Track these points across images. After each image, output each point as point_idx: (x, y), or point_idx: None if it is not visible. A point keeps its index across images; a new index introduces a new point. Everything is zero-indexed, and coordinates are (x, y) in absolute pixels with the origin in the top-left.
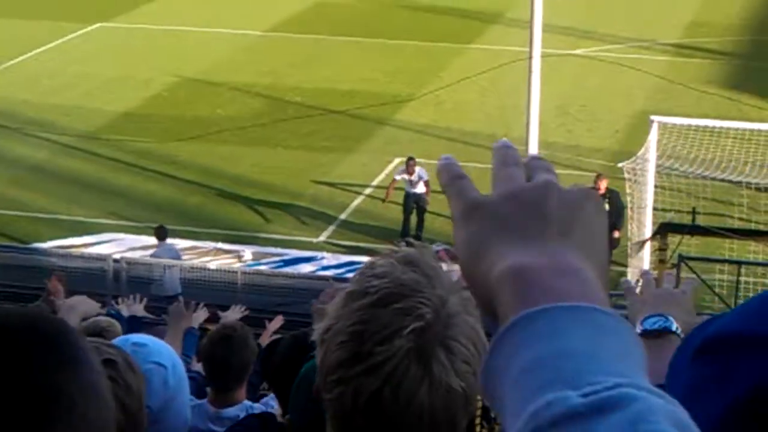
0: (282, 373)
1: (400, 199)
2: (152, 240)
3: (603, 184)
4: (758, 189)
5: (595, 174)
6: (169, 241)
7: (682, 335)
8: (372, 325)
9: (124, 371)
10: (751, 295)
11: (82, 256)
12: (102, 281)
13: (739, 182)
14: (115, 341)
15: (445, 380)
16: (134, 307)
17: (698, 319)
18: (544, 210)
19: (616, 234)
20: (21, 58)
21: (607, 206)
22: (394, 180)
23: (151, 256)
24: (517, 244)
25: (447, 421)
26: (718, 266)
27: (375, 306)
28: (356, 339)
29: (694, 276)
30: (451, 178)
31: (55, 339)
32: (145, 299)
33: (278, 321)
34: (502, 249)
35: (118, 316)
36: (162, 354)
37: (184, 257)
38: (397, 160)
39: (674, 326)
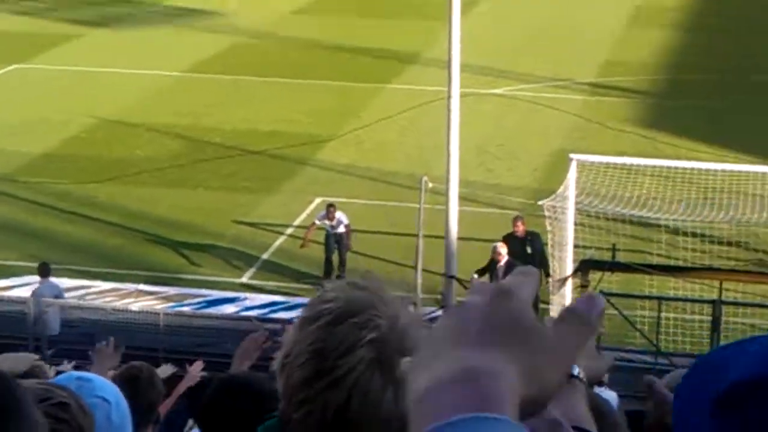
0: (209, 415)
1: (321, 239)
2: (75, 282)
3: (521, 227)
4: (676, 226)
5: (513, 216)
6: (54, 279)
7: (584, 379)
8: (330, 342)
9: (77, 413)
10: (671, 330)
11: (1, 300)
12: (22, 324)
13: (657, 219)
14: (61, 378)
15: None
16: (64, 365)
17: (601, 361)
18: (452, 329)
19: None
20: None
21: (529, 249)
22: (313, 224)
23: (33, 293)
24: (426, 370)
25: None
26: (639, 302)
27: (331, 324)
28: (317, 356)
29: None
30: None
31: None
32: (73, 362)
33: (198, 365)
34: (414, 386)
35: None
36: (106, 390)
37: (106, 299)
38: (318, 200)
39: (576, 371)
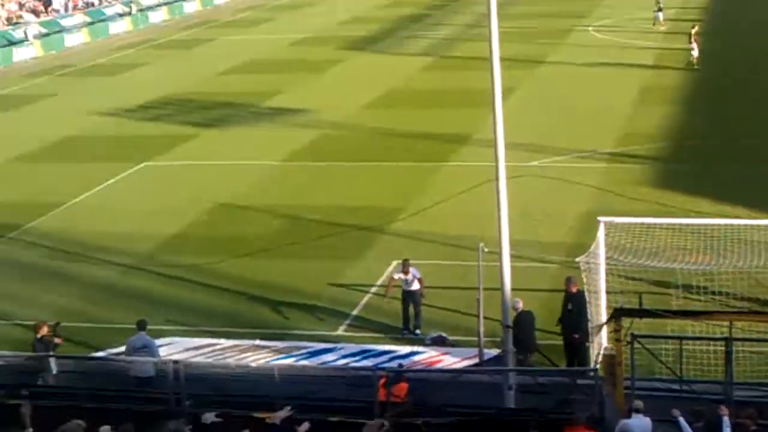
0: None
1: (399, 295)
2: (203, 341)
3: (574, 288)
4: (689, 272)
5: (565, 278)
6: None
7: None
8: None
9: None
10: (691, 361)
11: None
12: (164, 380)
13: (673, 267)
14: None
15: None
16: (206, 415)
17: None
18: None
19: (576, 337)
20: (83, 195)
21: (570, 306)
22: (392, 279)
23: (127, 342)
24: None
25: None
26: (663, 341)
27: None
28: None
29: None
30: None
31: None
32: (215, 412)
33: (304, 427)
34: None
35: None
36: None
37: (227, 354)
38: (394, 263)
39: None
